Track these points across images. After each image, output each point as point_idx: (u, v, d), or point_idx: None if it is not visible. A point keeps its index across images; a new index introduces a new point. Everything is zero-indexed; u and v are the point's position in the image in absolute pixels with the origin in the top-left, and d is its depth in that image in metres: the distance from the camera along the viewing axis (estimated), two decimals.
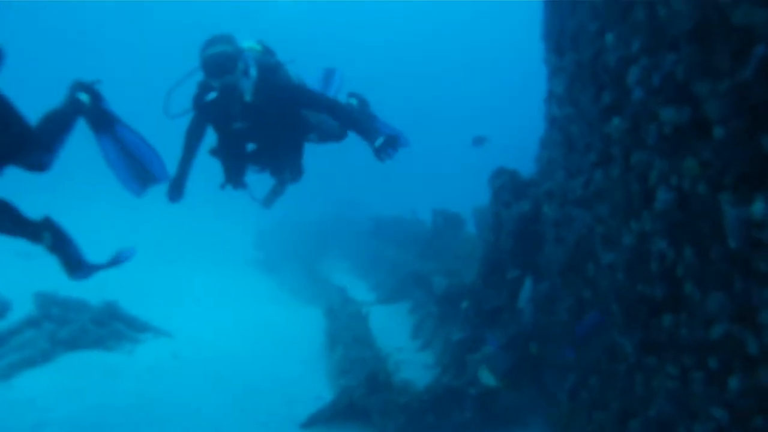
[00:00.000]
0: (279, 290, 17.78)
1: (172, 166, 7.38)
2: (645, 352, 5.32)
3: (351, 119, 7.71)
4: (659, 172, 4.61)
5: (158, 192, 7.47)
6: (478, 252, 11.37)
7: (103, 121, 6.66)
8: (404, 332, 13.05)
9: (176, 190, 7.69)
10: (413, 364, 11.00)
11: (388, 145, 7.36)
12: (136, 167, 6.87)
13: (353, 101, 8.85)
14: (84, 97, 6.47)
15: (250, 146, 7.93)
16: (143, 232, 23.32)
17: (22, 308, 11.30)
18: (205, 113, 7.54)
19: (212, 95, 7.25)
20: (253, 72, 7.26)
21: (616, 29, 4.90)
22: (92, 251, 6.17)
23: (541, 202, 8.66)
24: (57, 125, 6.01)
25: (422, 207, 18.15)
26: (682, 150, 4.30)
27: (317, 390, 9.92)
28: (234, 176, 7.91)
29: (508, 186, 9.59)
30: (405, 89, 49.44)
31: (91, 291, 11.96)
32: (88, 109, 6.47)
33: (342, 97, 8.70)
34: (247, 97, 7.19)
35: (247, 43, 7.70)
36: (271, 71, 7.52)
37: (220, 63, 7.03)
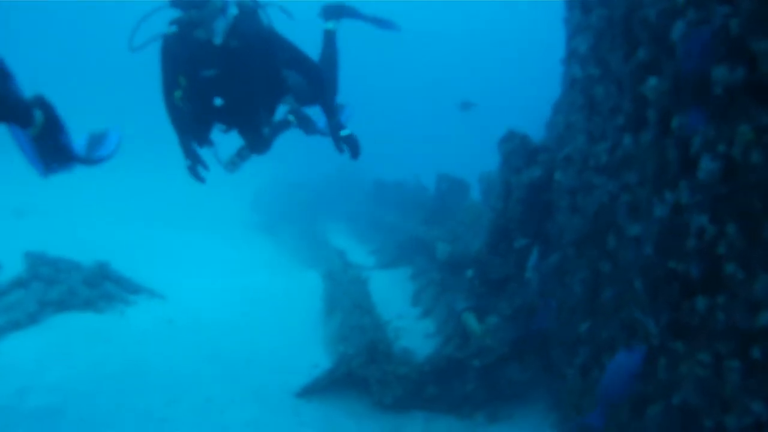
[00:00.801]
0: (277, 254, 17.30)
1: None
2: (672, 335, 4.82)
3: (324, 93, 7.03)
4: (704, 138, 4.08)
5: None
6: (484, 219, 10.93)
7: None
8: (405, 299, 12.60)
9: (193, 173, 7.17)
10: (414, 332, 10.59)
11: (350, 142, 6.93)
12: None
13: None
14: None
15: (219, 100, 6.86)
16: (137, 195, 22.84)
17: (12, 269, 10.77)
18: (170, 54, 6.55)
19: (173, 29, 6.38)
20: (233, 11, 6.39)
21: None
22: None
23: (554, 169, 8.16)
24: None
25: (426, 172, 17.60)
26: (733, 114, 3.77)
27: (315, 358, 9.46)
28: (199, 131, 7.02)
29: (518, 151, 9.05)
30: (407, 56, 48.33)
31: (83, 252, 11.52)
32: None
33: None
34: (218, 39, 6.33)
35: None
36: (252, 14, 6.59)
37: None
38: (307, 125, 7.86)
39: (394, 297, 12.46)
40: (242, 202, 24.25)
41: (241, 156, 7.36)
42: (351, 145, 7.18)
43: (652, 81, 4.53)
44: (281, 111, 7.55)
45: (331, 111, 6.99)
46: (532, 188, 8.63)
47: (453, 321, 9.38)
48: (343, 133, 7.03)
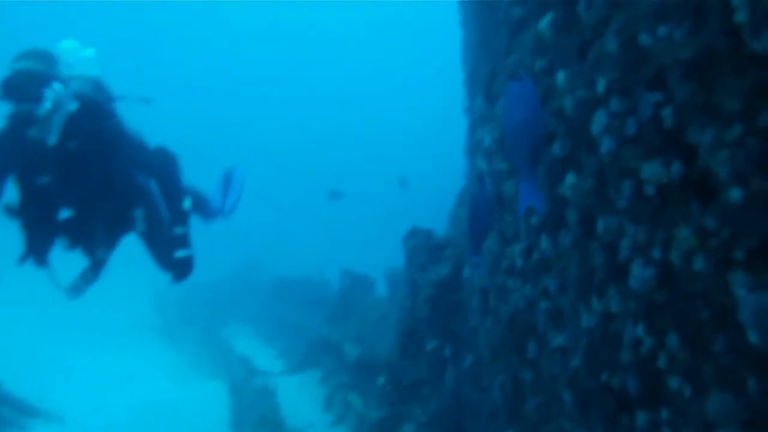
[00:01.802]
0: (178, 362, 16.21)
1: None
2: None
3: (175, 195, 6.04)
4: (634, 242, 3.57)
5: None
6: (393, 318, 10.37)
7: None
8: (316, 405, 11.78)
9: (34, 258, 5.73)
10: None
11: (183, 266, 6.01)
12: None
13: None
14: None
15: (58, 212, 5.62)
16: (27, 302, 21.36)
17: None
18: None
19: (2, 125, 5.26)
20: (71, 107, 5.26)
21: (571, 66, 3.88)
22: None
23: (462, 265, 7.66)
24: None
25: (330, 266, 17.00)
26: (669, 215, 3.27)
27: None
28: (37, 248, 5.68)
29: (423, 247, 8.56)
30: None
31: None
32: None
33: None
34: (51, 140, 5.20)
35: (78, 69, 5.62)
36: (95, 110, 5.47)
37: (16, 84, 5.09)
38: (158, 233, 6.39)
39: (303, 404, 11.67)
40: (143, 301, 23.02)
41: (86, 279, 6.00)
42: (181, 270, 6.06)
43: (571, 179, 4.03)
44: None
45: (183, 220, 6.01)
46: (439, 286, 8.12)
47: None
48: (180, 254, 5.96)
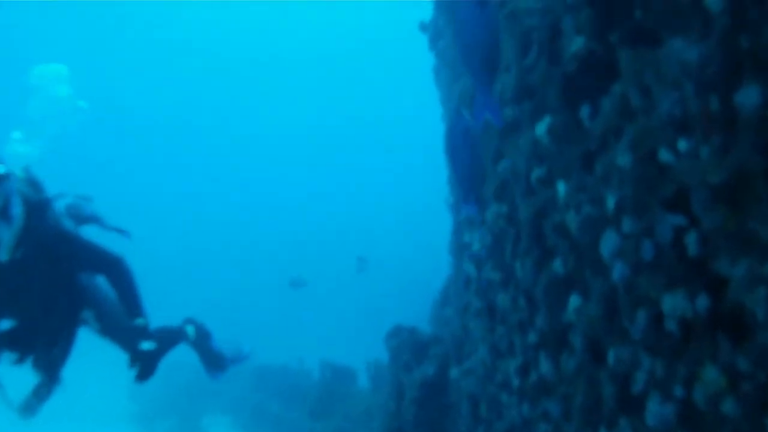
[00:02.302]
0: None
1: None
2: None
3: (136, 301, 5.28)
4: (650, 376, 3.11)
5: None
6: (375, 412, 9.83)
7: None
8: None
9: None
10: None
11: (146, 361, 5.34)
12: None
13: (190, 329, 6.15)
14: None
15: (5, 323, 5.12)
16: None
17: None
18: None
19: None
20: (17, 212, 4.64)
21: (574, 178, 3.47)
22: None
23: (449, 365, 7.16)
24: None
25: (309, 354, 16.43)
26: (693, 352, 2.82)
27: None
28: None
29: (407, 345, 8.05)
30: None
31: None
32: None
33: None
34: (4, 256, 4.60)
35: (9, 162, 4.91)
36: (39, 213, 4.87)
37: None
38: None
39: None
40: (118, 387, 22.13)
41: (39, 396, 5.37)
42: (144, 366, 5.42)
43: (575, 301, 3.57)
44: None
45: (137, 310, 5.39)
46: (425, 387, 7.58)
47: None
48: (145, 347, 5.27)
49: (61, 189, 5.30)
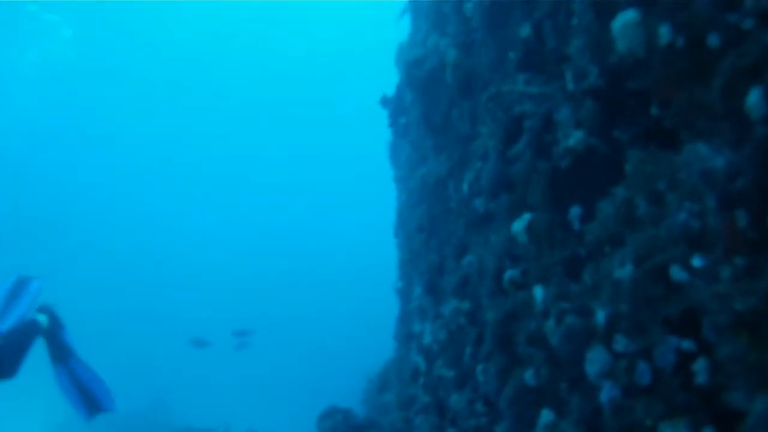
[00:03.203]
0: None
1: None
2: None
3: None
4: None
5: None
6: None
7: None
8: None
9: None
10: None
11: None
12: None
13: (42, 318, 5.62)
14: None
15: None
16: None
17: None
18: None
19: None
20: None
21: (554, 284, 3.02)
22: None
23: None
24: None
25: (237, 420, 15.55)
26: None
27: None
28: None
29: (340, 429, 7.44)
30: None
31: None
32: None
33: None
34: None
35: None
36: None
37: None
38: None
39: None
40: None
41: None
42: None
43: (547, 416, 3.09)
44: None
45: None
46: None
47: None
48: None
49: None
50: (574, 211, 2.91)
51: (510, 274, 3.40)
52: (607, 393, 2.65)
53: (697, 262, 2.29)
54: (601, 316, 2.68)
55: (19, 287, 5.58)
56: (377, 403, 7.95)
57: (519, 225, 3.27)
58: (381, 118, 7.57)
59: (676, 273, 2.33)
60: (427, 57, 4.72)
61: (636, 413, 2.54)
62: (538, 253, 3.16)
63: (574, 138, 2.83)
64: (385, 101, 6.81)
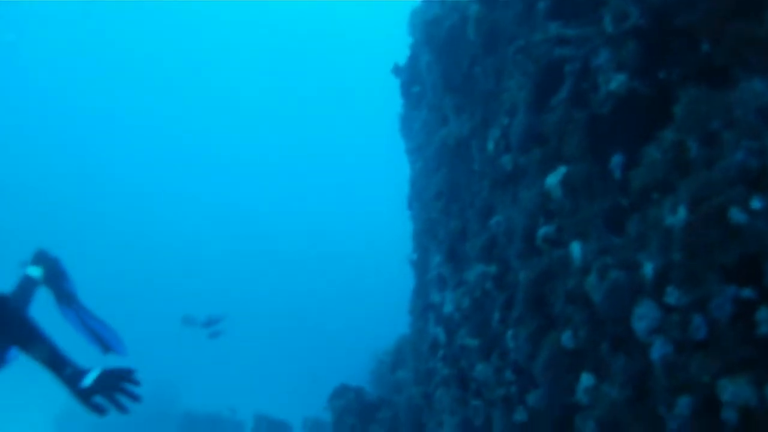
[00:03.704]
0: None
1: None
2: None
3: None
4: None
5: None
6: None
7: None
8: None
9: None
10: None
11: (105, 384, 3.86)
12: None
13: (37, 271, 5.22)
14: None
15: None
16: None
17: None
18: None
19: None
20: None
21: (594, 239, 2.84)
22: None
23: (398, 428, 6.45)
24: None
25: (243, 404, 15.40)
26: None
27: None
28: None
29: (353, 408, 7.27)
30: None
31: None
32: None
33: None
34: None
35: None
36: None
37: None
38: None
39: None
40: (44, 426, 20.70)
41: None
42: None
43: (587, 380, 2.92)
44: None
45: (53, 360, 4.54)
46: None
47: None
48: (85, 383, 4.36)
49: None
50: (616, 159, 2.73)
51: (544, 230, 3.22)
52: (658, 350, 2.48)
53: (756, 203, 2.12)
54: (649, 268, 2.51)
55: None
56: (389, 382, 7.77)
57: (553, 179, 3.09)
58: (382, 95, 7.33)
59: (735, 215, 2.15)
60: (447, 15, 4.53)
61: (691, 370, 2.37)
62: (575, 207, 2.99)
63: (616, 81, 2.65)
64: (397, 70, 6.51)
